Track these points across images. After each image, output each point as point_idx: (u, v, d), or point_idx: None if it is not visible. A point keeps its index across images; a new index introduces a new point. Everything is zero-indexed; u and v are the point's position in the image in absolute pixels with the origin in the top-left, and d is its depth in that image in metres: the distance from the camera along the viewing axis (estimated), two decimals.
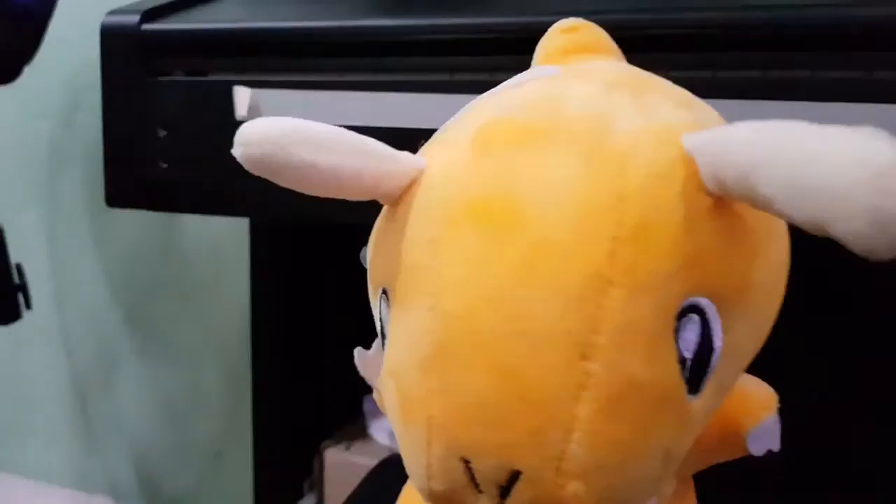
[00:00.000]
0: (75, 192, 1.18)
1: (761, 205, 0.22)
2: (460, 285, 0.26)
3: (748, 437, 0.33)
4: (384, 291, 0.30)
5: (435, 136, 0.32)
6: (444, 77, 0.53)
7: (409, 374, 0.27)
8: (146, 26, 0.61)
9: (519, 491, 0.24)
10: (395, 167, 0.29)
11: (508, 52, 0.46)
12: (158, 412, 1.19)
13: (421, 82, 0.52)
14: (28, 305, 0.89)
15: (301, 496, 0.88)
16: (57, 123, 1.17)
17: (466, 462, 0.25)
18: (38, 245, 1.21)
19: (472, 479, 0.25)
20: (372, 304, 0.32)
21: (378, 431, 0.87)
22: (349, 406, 0.90)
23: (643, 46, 0.44)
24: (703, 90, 0.32)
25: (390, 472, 0.61)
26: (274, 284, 0.86)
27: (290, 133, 0.27)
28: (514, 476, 0.24)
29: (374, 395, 0.36)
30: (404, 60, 0.54)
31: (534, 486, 0.24)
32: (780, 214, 0.22)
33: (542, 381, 0.24)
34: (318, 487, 0.87)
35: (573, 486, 0.24)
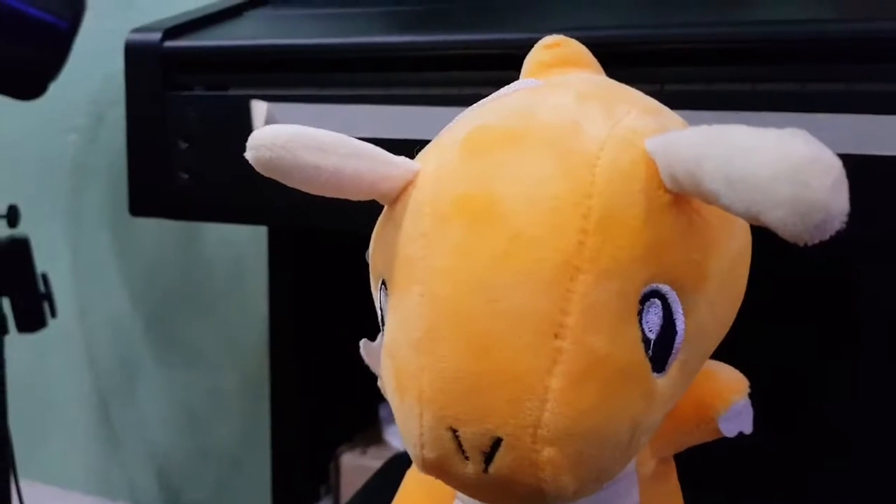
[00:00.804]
0: (99, 203, 1.20)
1: (709, 199, 0.25)
2: (447, 273, 0.29)
3: (720, 420, 0.36)
4: (383, 282, 0.33)
5: (432, 141, 0.35)
6: (453, 91, 0.55)
7: (403, 354, 0.30)
8: (168, 43, 0.63)
9: (500, 456, 0.27)
10: (391, 170, 0.32)
11: (514, 67, 0.48)
12: (179, 418, 1.20)
13: (429, 96, 0.55)
14: (53, 314, 0.91)
15: (318, 500, 0.90)
16: (81, 138, 1.19)
17: (454, 431, 0.28)
18: (62, 255, 1.23)
19: (460, 446, 0.28)
20: (374, 296, 0.35)
21: (393, 436, 0.88)
22: (365, 412, 0.92)
23: (626, 61, 0.47)
24: (672, 102, 0.35)
25: (397, 470, 0.63)
26: (291, 292, 0.88)
27: (296, 138, 0.30)
28: (496, 443, 0.27)
29: (379, 382, 0.39)
30: (413, 75, 0.56)
31: (513, 451, 0.27)
32: (725, 208, 0.25)
33: (518, 357, 0.27)
34: (335, 491, 0.89)
35: (548, 451, 0.27)
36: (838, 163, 0.22)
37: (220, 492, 1.19)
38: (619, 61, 0.48)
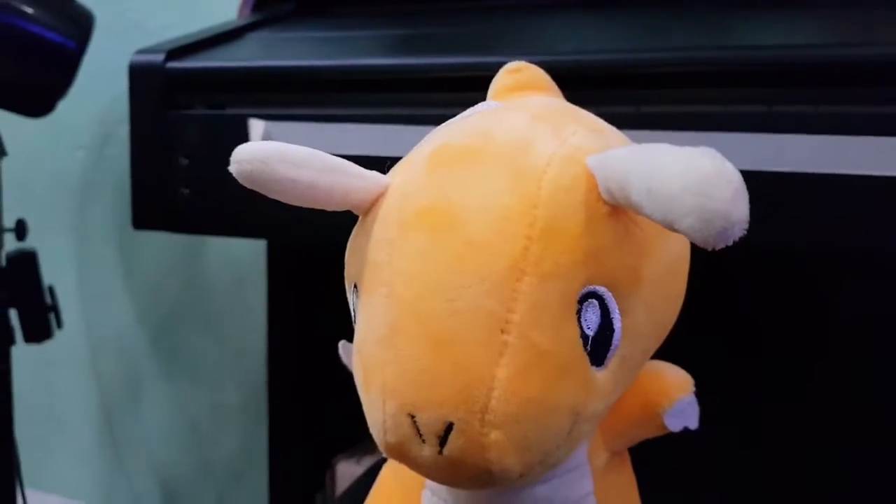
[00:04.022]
0: (105, 219, 1.22)
1: (636, 209, 0.29)
2: (409, 276, 0.32)
3: (665, 415, 0.39)
4: (355, 286, 0.36)
5: (403, 158, 0.38)
6: (442, 111, 0.58)
7: (369, 349, 0.33)
8: (170, 64, 0.66)
9: (453, 439, 0.30)
10: (362, 183, 0.35)
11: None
12: (181, 431, 1.21)
13: (415, 116, 0.57)
14: (59, 325, 0.94)
15: None
16: (89, 155, 1.22)
17: (412, 417, 0.31)
18: (68, 269, 1.25)
19: (418, 431, 0.31)
20: (348, 299, 0.38)
21: None
22: (361, 423, 0.93)
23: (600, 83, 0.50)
24: (621, 123, 0.38)
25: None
26: (290, 305, 0.89)
27: (273, 153, 0.33)
28: (449, 427, 0.30)
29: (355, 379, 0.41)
30: (400, 96, 0.59)
31: (463, 434, 0.30)
32: (648, 217, 0.28)
33: (469, 350, 0.30)
34: (330, 499, 0.90)
35: (495, 435, 0.30)
36: (738, 177, 0.25)
37: (222, 503, 1.20)
38: (596, 84, 0.51)
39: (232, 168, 0.34)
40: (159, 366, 1.23)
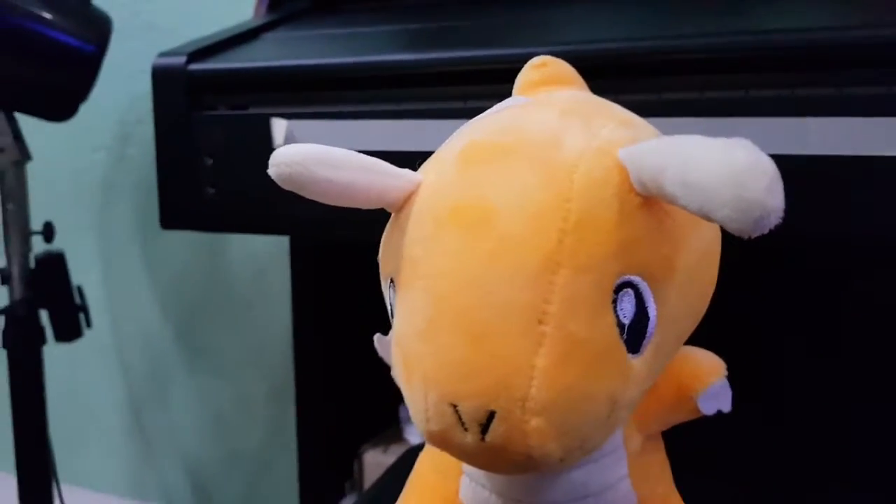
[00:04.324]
0: (128, 218, 1.24)
1: (671, 201, 0.29)
2: (445, 272, 0.33)
3: (699, 399, 0.40)
4: (391, 281, 0.37)
5: (433, 155, 0.39)
6: (457, 105, 0.58)
7: (409, 342, 0.34)
8: (192, 66, 0.66)
9: (494, 427, 0.31)
10: (396, 182, 0.36)
11: (510, 82, 0.51)
12: (208, 423, 1.23)
13: (436, 110, 0.58)
14: (88, 324, 0.95)
15: (343, 496, 0.93)
16: (109, 156, 1.23)
17: (454, 406, 0.32)
18: (94, 269, 1.27)
19: (460, 419, 0.32)
20: (384, 293, 0.39)
21: (412, 435, 0.91)
22: (386, 413, 0.95)
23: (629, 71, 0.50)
24: (644, 111, 0.38)
25: (410, 462, 0.66)
26: (313, 300, 0.90)
27: (312, 155, 0.35)
28: (491, 416, 0.31)
29: (392, 372, 0.42)
30: (420, 91, 0.59)
31: (505, 422, 0.31)
32: (683, 208, 0.28)
33: (508, 341, 0.31)
34: (359, 487, 0.92)
35: (535, 421, 0.31)
36: (773, 166, 0.26)
37: (250, 493, 1.21)
38: (618, 73, 0.51)
39: (271, 171, 0.35)
40: (185, 360, 1.25)
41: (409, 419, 0.93)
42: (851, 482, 0.69)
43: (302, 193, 0.35)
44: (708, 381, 0.39)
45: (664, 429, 0.42)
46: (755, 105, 0.49)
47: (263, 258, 1.14)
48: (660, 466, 0.42)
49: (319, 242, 0.88)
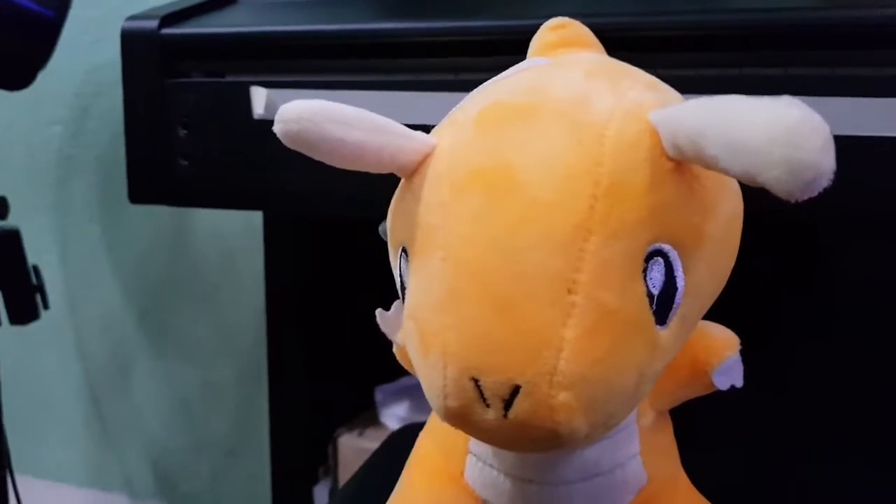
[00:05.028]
0: (87, 195, 1.20)
1: (709, 164, 0.28)
2: (467, 239, 0.31)
3: (713, 374, 0.39)
4: (403, 250, 0.35)
5: (445, 118, 0.37)
6: (448, 77, 0.56)
7: (426, 314, 0.32)
8: (165, 31, 0.63)
9: (519, 402, 0.29)
10: (410, 144, 0.34)
11: (508, 53, 0.49)
12: (173, 410, 1.20)
13: (425, 82, 0.56)
14: (46, 306, 0.91)
15: (317, 481, 0.91)
16: (66, 130, 1.19)
17: (476, 381, 0.30)
18: (50, 248, 1.23)
19: (481, 395, 0.30)
20: (392, 264, 0.37)
21: (389, 418, 0.90)
22: (362, 396, 0.93)
23: (624, 45, 0.47)
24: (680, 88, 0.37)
25: (393, 449, 0.64)
26: (288, 279, 0.88)
27: (324, 112, 0.32)
28: (515, 390, 0.29)
29: (395, 348, 0.41)
30: (408, 61, 0.57)
31: (531, 397, 0.29)
32: (723, 171, 0.27)
33: (536, 312, 0.29)
34: (333, 472, 0.90)
35: (563, 396, 0.29)
36: (825, 125, 0.24)
37: (217, 481, 1.19)
38: (610, 48, 0.50)
39: (277, 128, 0.33)
40: (148, 344, 1.22)
41: (385, 402, 0.93)
42: (862, 459, 0.69)
43: (309, 153, 0.33)
44: (723, 356, 0.39)
45: (675, 405, 0.41)
46: (748, 84, 0.48)
47: (231, 237, 1.11)
48: (668, 443, 0.41)
49: (294, 218, 0.86)
